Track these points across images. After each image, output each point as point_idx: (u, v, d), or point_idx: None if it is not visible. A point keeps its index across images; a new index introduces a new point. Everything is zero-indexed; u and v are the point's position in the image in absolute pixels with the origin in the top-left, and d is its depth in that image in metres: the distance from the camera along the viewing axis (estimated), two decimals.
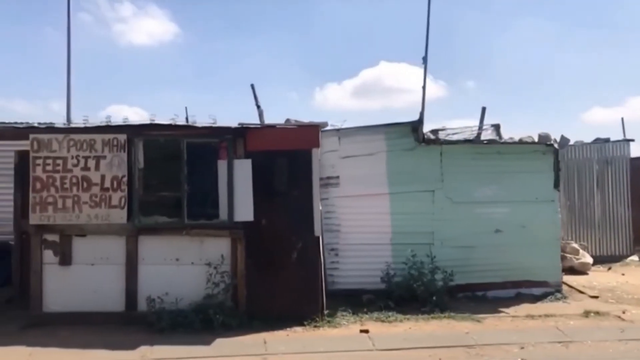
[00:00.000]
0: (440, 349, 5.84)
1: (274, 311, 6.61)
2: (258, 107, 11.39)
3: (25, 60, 34.09)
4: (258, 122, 10.32)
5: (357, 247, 8.02)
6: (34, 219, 6.53)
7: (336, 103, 38.68)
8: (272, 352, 5.69)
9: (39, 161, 6.54)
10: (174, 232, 6.68)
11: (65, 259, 6.58)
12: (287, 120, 8.59)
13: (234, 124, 6.76)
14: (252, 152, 6.75)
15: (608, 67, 34.32)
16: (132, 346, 5.73)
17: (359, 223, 8.03)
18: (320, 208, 6.98)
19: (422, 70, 8.31)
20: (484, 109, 11.35)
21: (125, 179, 6.56)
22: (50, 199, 6.52)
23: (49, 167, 6.54)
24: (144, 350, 5.66)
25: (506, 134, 9.12)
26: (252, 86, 11.82)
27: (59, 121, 8.34)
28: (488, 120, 9.00)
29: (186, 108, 11.65)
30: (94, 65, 32.91)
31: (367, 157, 8.07)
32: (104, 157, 6.56)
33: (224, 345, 5.87)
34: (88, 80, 33.20)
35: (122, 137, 6.57)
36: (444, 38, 35.16)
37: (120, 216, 6.55)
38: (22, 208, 7.55)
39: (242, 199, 6.67)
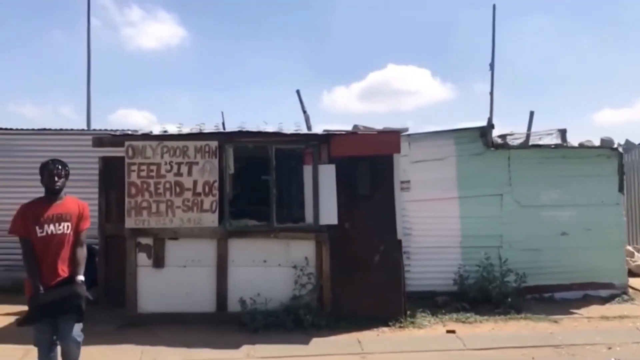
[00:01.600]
0: (530, 348, 6.00)
1: (357, 312, 6.81)
2: (304, 112, 11.61)
3: (34, 64, 34.50)
4: (305, 127, 10.56)
5: (427, 250, 8.20)
6: (129, 222, 6.79)
7: (344, 106, 38.84)
8: (369, 351, 5.90)
9: (134, 167, 6.81)
10: (261, 235, 6.91)
11: (159, 262, 6.84)
12: (355, 127, 8.80)
13: (319, 130, 6.99)
14: (335, 158, 6.97)
15: (618, 68, 34.23)
16: (234, 345, 5.96)
17: (430, 226, 8.21)
18: None
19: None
20: (532, 113, 11.48)
21: (216, 184, 6.81)
22: (144, 204, 6.79)
23: (143, 173, 6.80)
24: (247, 349, 5.89)
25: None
26: (298, 92, 12.04)
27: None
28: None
29: (222, 113, 11.89)
30: (102, 69, 33.29)
31: (437, 161, 8.26)
32: (196, 163, 6.81)
33: (321, 345, 6.08)
34: (96, 84, 33.60)
35: (214, 144, 6.83)
36: (452, 40, 35.25)
37: (211, 220, 6.79)
38: (106, 212, 7.86)
39: (326, 203, 6.89)
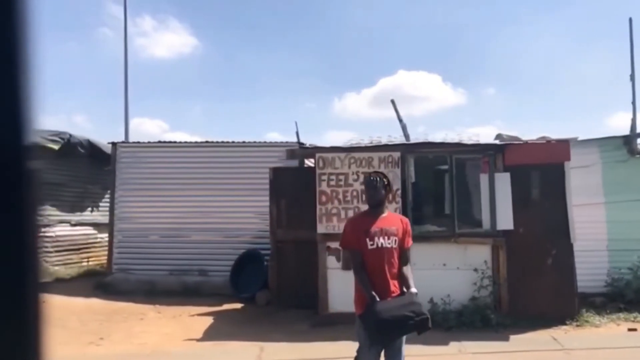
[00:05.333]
0: None
1: (533, 312, 7.20)
2: (400, 121, 12.06)
3: (48, 74, 35.16)
4: (403, 135, 11.02)
5: (576, 253, 8.54)
6: (321, 228, 7.31)
7: (355, 112, 39.07)
8: (569, 347, 6.28)
9: (324, 177, 7.33)
10: (441, 240, 7.36)
11: (348, 265, 7.29)
12: (499, 136, 9.23)
13: (493, 141, 7.44)
14: (509, 166, 7.41)
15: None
16: (442, 342, 6.38)
17: (578, 231, 8.54)
18: None
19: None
20: (634, 120, 11.80)
21: (399, 192, 7.29)
22: (334, 211, 7.30)
23: (332, 182, 7.32)
24: (456, 345, 6.32)
25: None
26: (393, 102, 12.51)
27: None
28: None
29: (296, 123, 12.39)
30: (115, 78, 33.76)
31: (583, 169, 8.63)
32: None
33: (519, 341, 6.49)
34: (110, 93, 34.42)
35: (396, 154, 7.32)
36: (464, 46, 35.46)
37: None
38: (277, 219, 8.39)
39: (502, 209, 7.33)
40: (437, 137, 7.68)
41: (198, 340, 6.48)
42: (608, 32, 34.40)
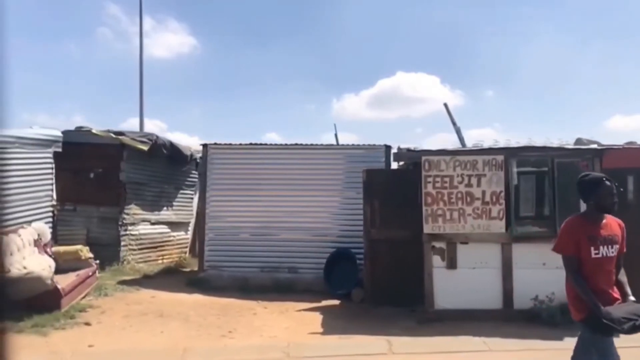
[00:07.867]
0: None
1: None
2: (454, 124, 12.33)
3: (47, 75, 35.54)
4: (458, 139, 11.26)
5: None
6: (427, 228, 7.60)
7: (354, 113, 39.35)
8: None
9: (430, 179, 7.62)
10: (541, 240, 7.61)
11: (452, 263, 7.62)
12: (579, 140, 9.51)
13: (593, 145, 7.73)
14: (606, 169, 7.66)
15: (629, 75, 34.38)
16: (557, 337, 6.68)
17: None
18: None
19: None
20: None
21: (502, 194, 7.58)
22: (439, 212, 7.59)
23: (437, 185, 7.61)
24: (571, 341, 6.57)
25: None
26: (446, 105, 12.79)
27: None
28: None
29: (335, 125, 12.72)
30: (113, 78, 33.95)
31: None
32: (484, 175, 7.60)
33: (627, 337, 6.76)
34: (110, 93, 35.00)
35: (500, 158, 7.61)
36: (463, 48, 35.78)
37: (499, 226, 7.56)
38: (370, 219, 8.68)
39: None
40: (538, 141, 7.95)
41: (321, 333, 6.77)
42: (606, 35, 34.76)
